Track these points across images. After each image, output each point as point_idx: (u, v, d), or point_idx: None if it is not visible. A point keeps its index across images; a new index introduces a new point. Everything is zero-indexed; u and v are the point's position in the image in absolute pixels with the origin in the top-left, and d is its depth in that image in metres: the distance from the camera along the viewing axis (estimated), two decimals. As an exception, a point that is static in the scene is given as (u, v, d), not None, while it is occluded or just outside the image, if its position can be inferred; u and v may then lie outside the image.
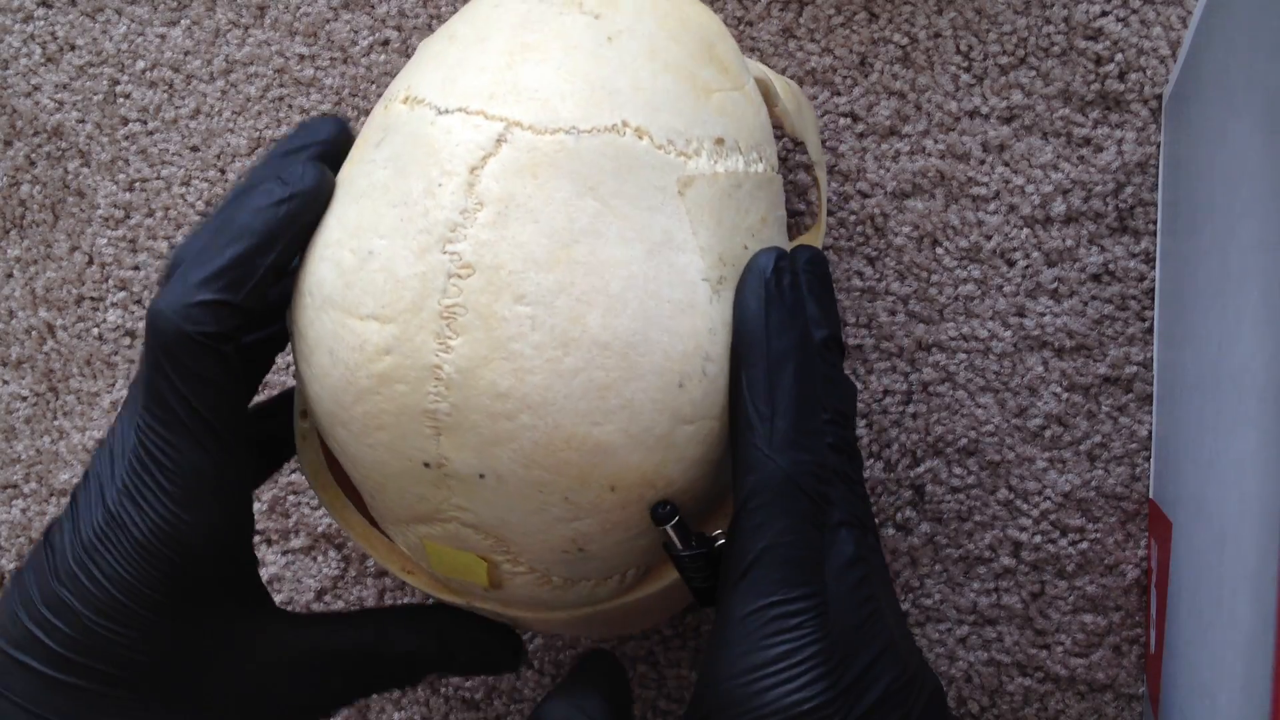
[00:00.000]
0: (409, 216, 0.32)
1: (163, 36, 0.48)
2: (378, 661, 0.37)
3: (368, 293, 0.32)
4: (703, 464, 0.34)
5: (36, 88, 0.49)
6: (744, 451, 0.33)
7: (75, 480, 0.50)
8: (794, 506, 0.32)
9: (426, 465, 0.33)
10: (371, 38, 0.47)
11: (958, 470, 0.45)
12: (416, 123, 0.33)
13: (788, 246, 0.35)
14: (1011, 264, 0.44)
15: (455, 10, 0.46)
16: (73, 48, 0.49)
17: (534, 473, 0.32)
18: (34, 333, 0.50)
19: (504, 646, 0.39)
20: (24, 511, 0.50)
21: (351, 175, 0.35)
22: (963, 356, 0.45)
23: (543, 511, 0.33)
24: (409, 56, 0.47)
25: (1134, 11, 0.44)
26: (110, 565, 0.33)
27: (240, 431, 0.34)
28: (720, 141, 0.34)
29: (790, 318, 0.33)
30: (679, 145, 0.33)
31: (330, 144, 0.36)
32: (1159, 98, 0.44)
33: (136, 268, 0.49)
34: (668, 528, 0.34)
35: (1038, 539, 0.45)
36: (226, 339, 0.33)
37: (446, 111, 0.33)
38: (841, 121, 0.45)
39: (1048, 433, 0.44)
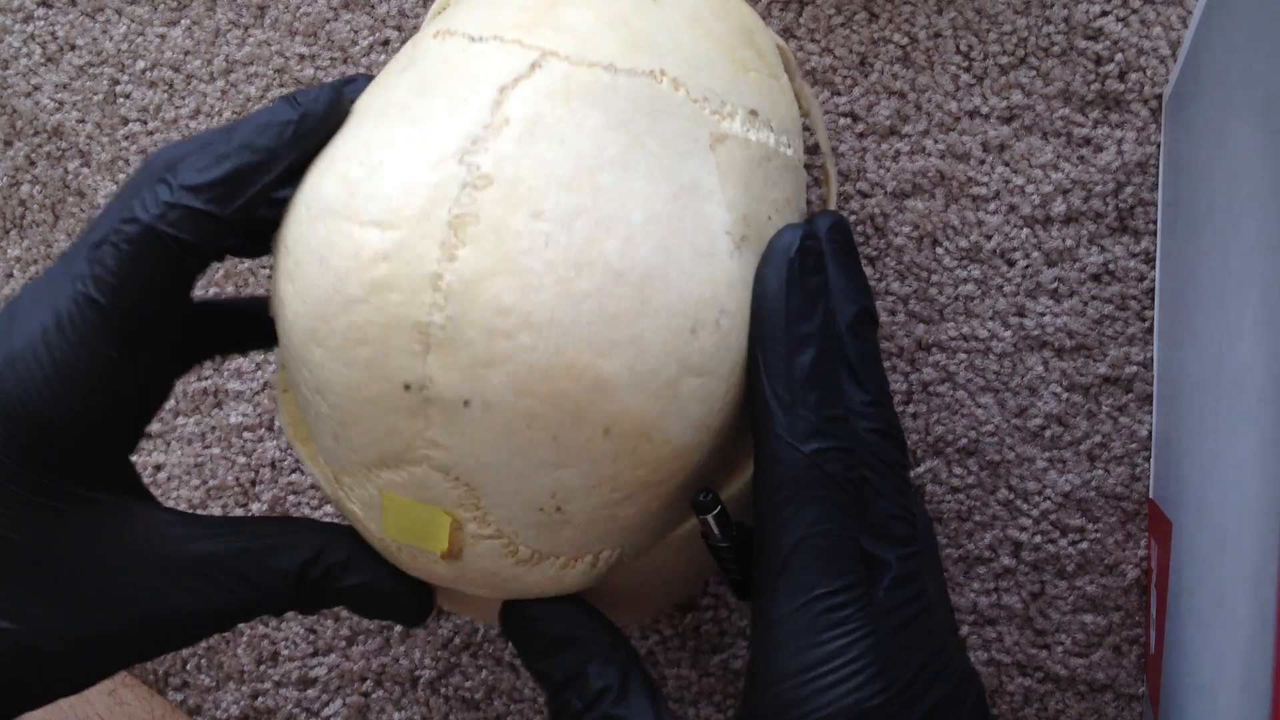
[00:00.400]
0: (428, 129, 0.31)
1: (163, 36, 0.48)
2: (263, 575, 0.35)
3: (373, 199, 0.31)
4: (702, 429, 0.32)
5: (36, 88, 0.49)
6: (765, 441, 0.32)
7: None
8: (822, 494, 0.31)
9: (407, 387, 0.30)
10: (371, 38, 0.47)
11: (958, 470, 0.45)
12: (447, 50, 0.32)
13: None
14: (1011, 264, 0.44)
15: (455, 10, 0.46)
16: (73, 48, 0.49)
17: (525, 402, 0.30)
18: (34, 333, 0.50)
19: (413, 592, 0.36)
20: (24, 511, 0.50)
21: (369, 98, 0.33)
22: (963, 356, 0.45)
23: (527, 452, 0.31)
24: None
25: (1134, 11, 0.44)
26: None
27: (162, 337, 0.33)
28: (754, 113, 0.33)
29: (814, 299, 0.32)
30: (714, 105, 0.33)
31: (356, 87, 0.35)
32: (1159, 98, 0.44)
33: (136, 268, 0.49)
34: (709, 517, 0.32)
35: (1038, 539, 0.45)
36: (198, 253, 0.32)
37: (480, 39, 0.32)
38: (841, 121, 0.45)
39: (1048, 433, 0.44)
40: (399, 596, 0.35)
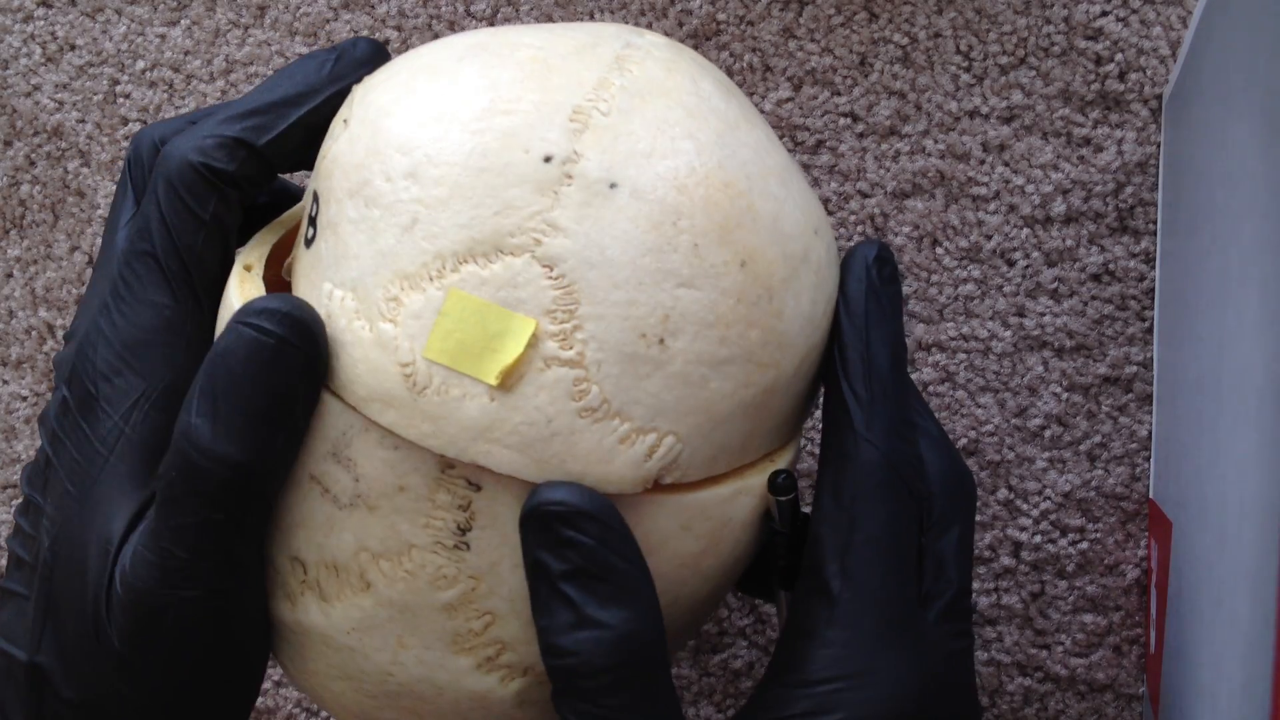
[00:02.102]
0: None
1: (163, 36, 0.48)
2: None
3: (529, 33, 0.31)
4: (806, 331, 0.31)
5: (36, 88, 0.49)
6: (838, 437, 0.31)
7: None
8: (893, 498, 0.31)
9: (548, 159, 0.29)
10: (372, 38, 0.47)
11: (958, 470, 0.45)
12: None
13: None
14: (1011, 264, 0.44)
15: (455, 11, 0.46)
16: (73, 48, 0.49)
17: (680, 199, 0.29)
18: (34, 333, 0.50)
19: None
20: (24, 511, 0.50)
21: None
22: (963, 356, 0.45)
23: (660, 253, 0.28)
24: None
25: (1134, 11, 0.44)
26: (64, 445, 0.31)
27: (217, 284, 0.32)
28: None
29: (891, 308, 0.33)
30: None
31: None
32: (1159, 98, 0.44)
33: (136, 268, 0.49)
34: (780, 499, 0.31)
35: (1038, 539, 0.45)
36: (234, 181, 0.31)
37: None
38: (841, 121, 0.45)
39: (1048, 433, 0.44)
40: None
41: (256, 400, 0.29)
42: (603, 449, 0.29)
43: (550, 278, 0.28)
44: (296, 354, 0.29)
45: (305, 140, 0.32)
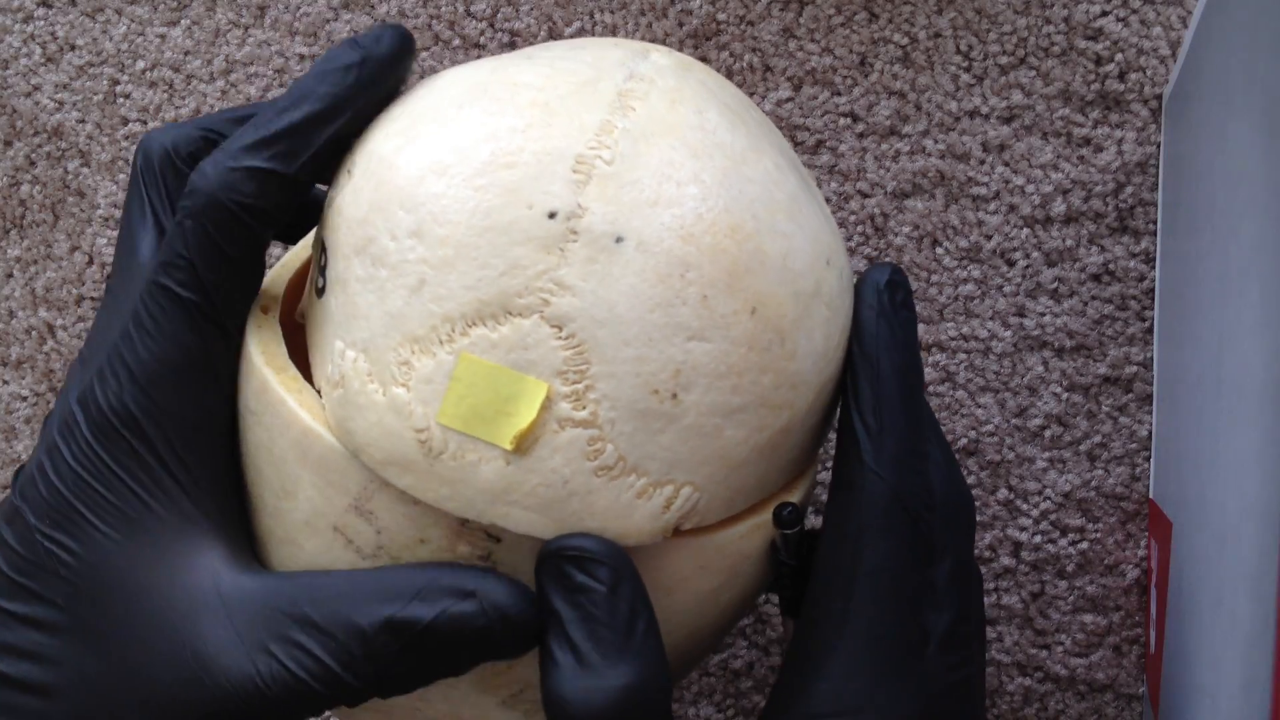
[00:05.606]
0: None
1: (163, 36, 0.48)
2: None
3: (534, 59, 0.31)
4: (819, 368, 0.31)
5: (36, 88, 0.49)
6: (847, 467, 0.31)
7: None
8: (898, 528, 0.30)
9: (552, 215, 0.28)
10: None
11: (958, 470, 0.45)
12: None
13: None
14: (1011, 264, 0.44)
15: (455, 11, 0.46)
16: (73, 48, 0.49)
17: (686, 249, 0.28)
18: (34, 333, 0.50)
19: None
20: (24, 511, 0.50)
21: None
22: (963, 356, 0.45)
23: (669, 308, 0.28)
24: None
25: (1134, 11, 0.44)
26: (64, 462, 0.30)
27: (243, 314, 0.31)
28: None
29: (903, 334, 0.32)
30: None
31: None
32: (1159, 98, 0.44)
33: (136, 268, 0.49)
34: (786, 531, 0.31)
35: (1038, 539, 0.45)
36: (266, 216, 0.30)
37: None
38: (841, 121, 0.45)
39: (1048, 433, 0.44)
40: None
41: None
42: (620, 505, 0.29)
43: (560, 338, 0.28)
44: None
45: (336, 153, 0.31)
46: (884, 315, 0.32)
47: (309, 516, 0.31)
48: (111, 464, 0.30)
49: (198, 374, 0.30)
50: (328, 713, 0.41)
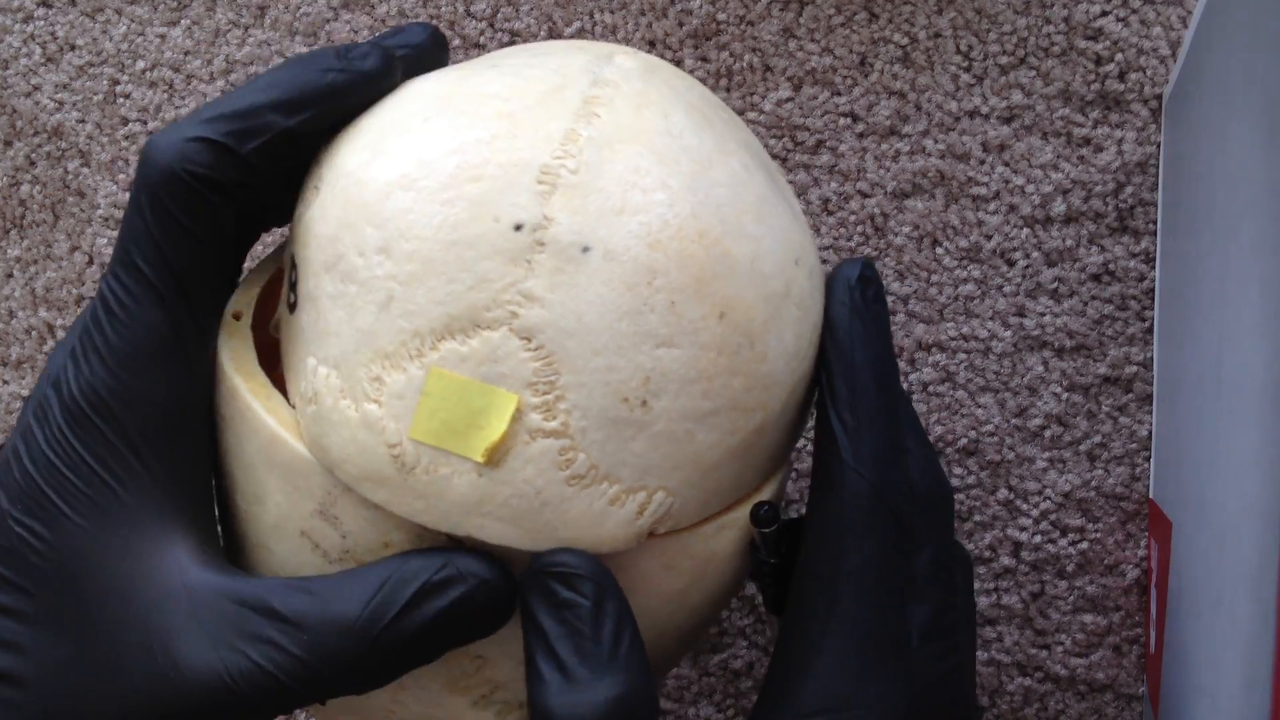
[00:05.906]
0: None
1: (163, 36, 0.48)
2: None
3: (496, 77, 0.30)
4: (790, 368, 0.31)
5: (36, 88, 0.49)
6: (826, 465, 0.31)
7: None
8: (879, 526, 0.30)
9: (518, 227, 0.28)
10: (371, 38, 0.47)
11: (958, 470, 0.45)
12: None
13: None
14: (1011, 264, 0.44)
15: (455, 11, 0.46)
16: (73, 48, 0.49)
17: (653, 256, 0.28)
18: (34, 333, 0.50)
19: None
20: (24, 511, 0.50)
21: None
22: (963, 356, 0.45)
23: (637, 316, 0.28)
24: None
25: (1134, 11, 0.44)
26: (37, 446, 0.30)
27: (213, 299, 0.31)
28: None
29: (875, 328, 0.32)
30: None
31: (416, 49, 0.33)
32: (1159, 98, 0.44)
33: (136, 268, 0.49)
34: (764, 530, 0.31)
35: (1038, 539, 0.45)
36: (221, 189, 0.30)
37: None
38: (841, 121, 0.45)
39: (1048, 433, 0.44)
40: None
41: None
42: (593, 513, 0.29)
43: (529, 349, 0.28)
44: None
45: (295, 154, 0.31)
46: (856, 311, 0.32)
47: (277, 521, 0.31)
48: (82, 450, 0.30)
49: (168, 356, 0.30)
50: (301, 717, 0.41)
